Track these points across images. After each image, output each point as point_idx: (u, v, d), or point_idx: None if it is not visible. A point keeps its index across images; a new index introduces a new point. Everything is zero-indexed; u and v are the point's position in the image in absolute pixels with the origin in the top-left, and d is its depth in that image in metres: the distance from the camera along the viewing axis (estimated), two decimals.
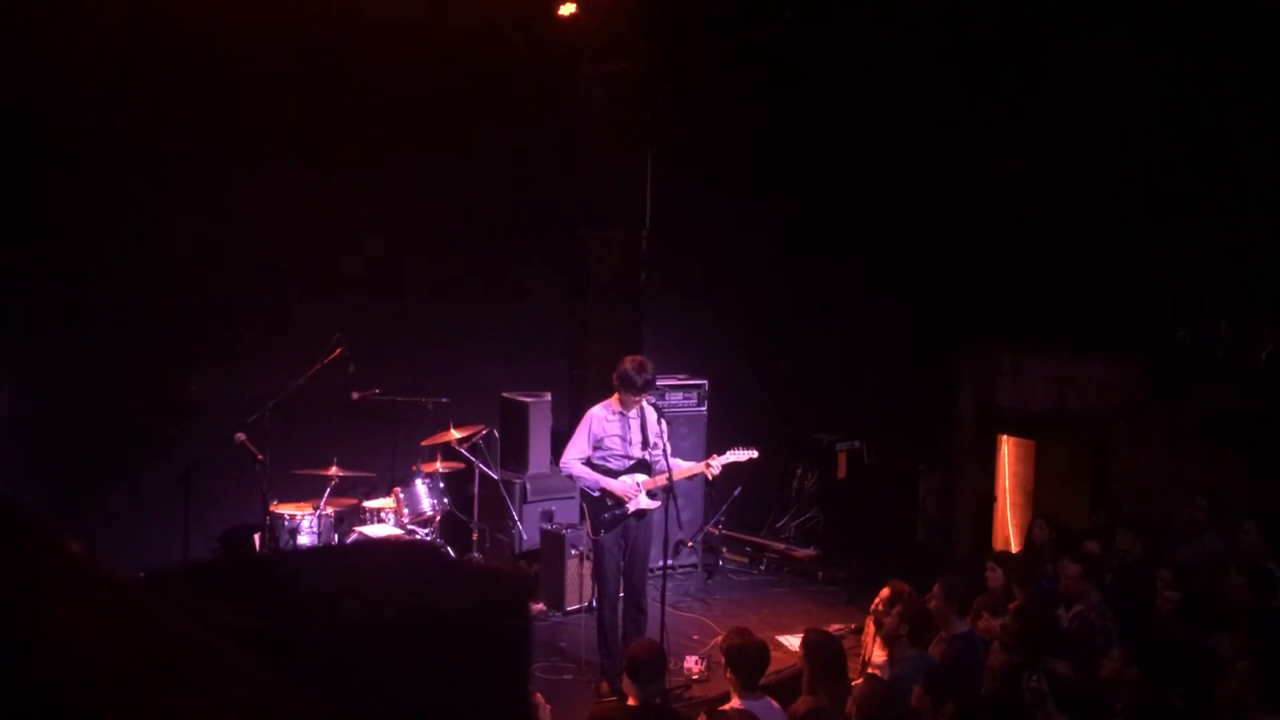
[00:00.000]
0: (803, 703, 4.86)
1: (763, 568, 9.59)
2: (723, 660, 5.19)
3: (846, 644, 6.39)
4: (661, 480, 6.69)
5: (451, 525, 8.46)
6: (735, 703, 4.90)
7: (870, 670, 5.86)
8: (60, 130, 7.58)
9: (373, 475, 8.43)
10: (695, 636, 7.85)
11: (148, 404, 7.97)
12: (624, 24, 9.58)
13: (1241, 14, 8.08)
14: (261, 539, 7.64)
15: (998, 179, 9.35)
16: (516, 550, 8.75)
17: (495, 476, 8.43)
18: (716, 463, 6.93)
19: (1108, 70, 8.62)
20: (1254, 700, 4.56)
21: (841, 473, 10.12)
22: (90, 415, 7.77)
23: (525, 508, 8.78)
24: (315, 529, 7.60)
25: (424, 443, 8.24)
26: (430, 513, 7.99)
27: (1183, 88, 8.23)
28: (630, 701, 4.94)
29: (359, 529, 7.98)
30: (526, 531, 8.72)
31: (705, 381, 9.62)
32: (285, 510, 7.63)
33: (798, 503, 10.27)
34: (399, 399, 8.34)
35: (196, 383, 8.07)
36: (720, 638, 6.49)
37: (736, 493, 8.86)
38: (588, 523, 7.06)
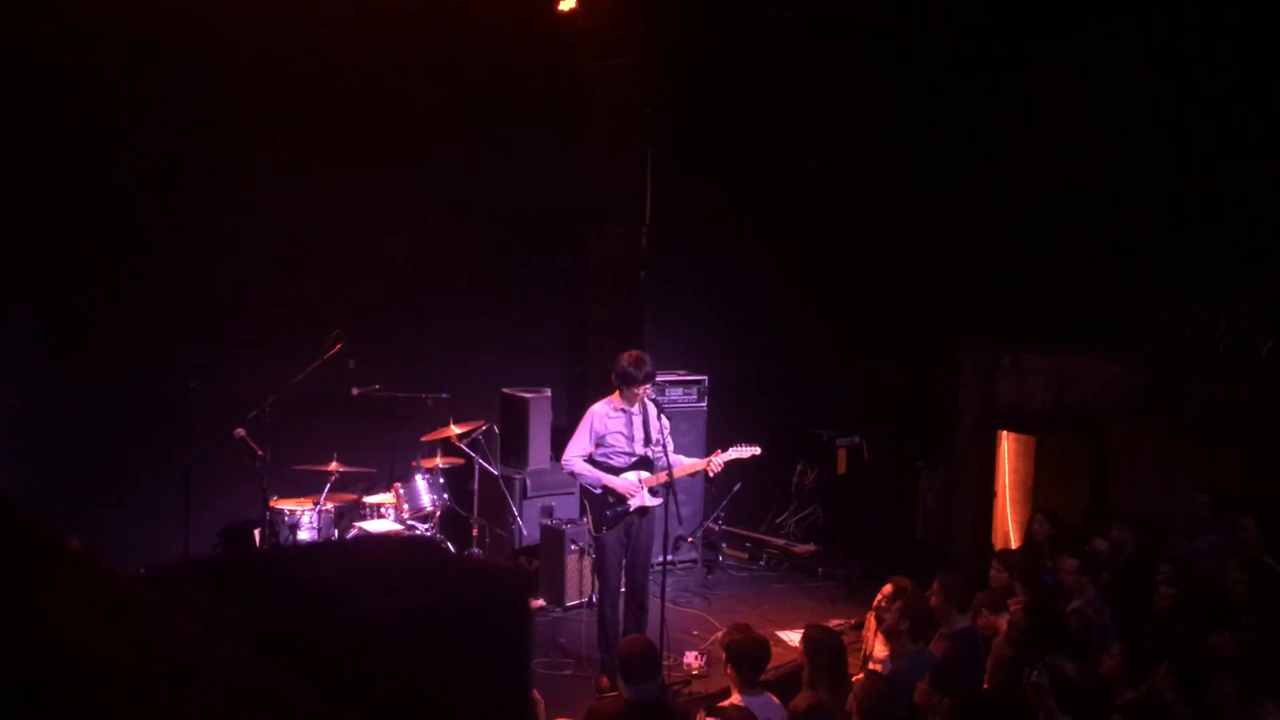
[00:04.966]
0: (803, 698, 4.86)
1: (762, 563, 9.60)
2: (723, 656, 5.20)
3: (847, 640, 6.39)
4: (663, 477, 6.69)
5: (451, 521, 8.46)
6: (735, 698, 4.90)
7: (871, 666, 5.87)
8: (62, 128, 7.58)
9: (373, 471, 8.43)
10: (695, 632, 7.86)
11: (148, 400, 7.97)
12: (625, 20, 9.57)
13: (1242, 13, 8.07)
14: (261, 534, 7.65)
15: (999, 176, 9.35)
16: (516, 546, 8.76)
17: (495, 472, 8.44)
18: (718, 460, 6.92)
19: (1109, 68, 8.61)
20: (1254, 697, 4.56)
21: (841, 469, 10.13)
22: (90, 412, 7.77)
23: (525, 503, 8.79)
24: (315, 524, 7.61)
25: (424, 438, 8.24)
26: (430, 508, 7.99)
27: (1183, 86, 8.22)
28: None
29: (359, 524, 7.98)
30: (526, 527, 8.73)
31: (705, 377, 9.63)
32: (285, 506, 7.63)
33: (797, 498, 10.28)
34: (399, 394, 8.34)
35: (196, 379, 8.07)
36: (720, 633, 6.51)
37: (736, 488, 8.87)
38: (589, 519, 7.06)
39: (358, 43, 8.59)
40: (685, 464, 7.02)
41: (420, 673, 1.29)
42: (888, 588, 5.88)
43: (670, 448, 6.79)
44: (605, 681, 6.73)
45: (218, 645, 1.04)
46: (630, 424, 6.85)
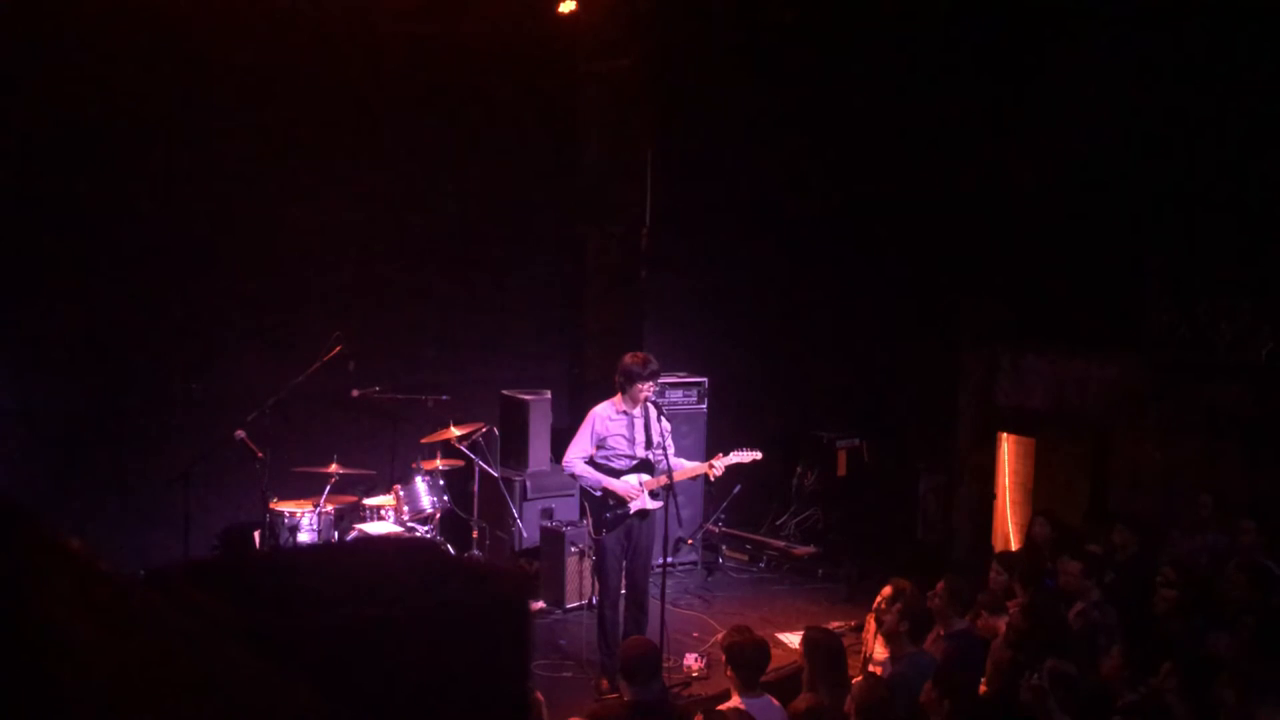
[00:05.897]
0: (802, 700, 4.86)
1: (762, 565, 9.59)
2: (723, 658, 5.19)
3: (846, 641, 6.39)
4: (663, 480, 6.69)
5: (451, 523, 8.46)
6: (735, 700, 4.90)
7: (871, 668, 5.87)
8: (62, 130, 7.58)
9: (373, 473, 8.43)
10: (695, 634, 7.85)
11: (148, 402, 7.98)
12: (624, 21, 9.58)
13: (1242, 13, 8.08)
14: (261, 536, 7.64)
15: (999, 177, 9.34)
16: (516, 548, 8.75)
17: (495, 474, 8.43)
18: (720, 464, 6.92)
19: (1109, 68, 8.61)
20: (1254, 699, 4.56)
21: (841, 470, 10.12)
22: (91, 414, 7.77)
23: (525, 505, 8.79)
24: (315, 526, 7.60)
25: (424, 440, 8.24)
26: (430, 510, 7.99)
27: (1184, 86, 8.22)
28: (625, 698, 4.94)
29: (359, 526, 7.98)
30: (526, 529, 8.72)
31: (705, 379, 9.62)
32: (285, 508, 7.63)
33: (798, 500, 10.27)
34: (399, 396, 8.34)
35: (196, 381, 8.07)
36: (720, 635, 6.50)
37: (736, 490, 8.86)
38: (589, 521, 7.06)
39: (358, 44, 8.60)
40: (686, 467, 7.02)
41: (421, 674, 1.29)
42: (887, 589, 5.87)
43: (671, 451, 6.79)
44: (605, 683, 6.72)
45: (218, 647, 1.04)
46: (632, 426, 6.84)
